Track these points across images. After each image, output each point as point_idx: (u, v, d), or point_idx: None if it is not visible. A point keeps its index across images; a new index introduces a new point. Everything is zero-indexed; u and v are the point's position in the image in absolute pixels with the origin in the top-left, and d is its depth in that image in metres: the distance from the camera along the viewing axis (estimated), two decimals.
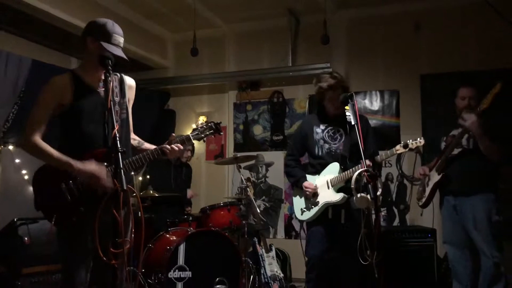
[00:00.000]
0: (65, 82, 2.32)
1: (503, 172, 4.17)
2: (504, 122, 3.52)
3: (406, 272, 4.07)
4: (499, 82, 3.27)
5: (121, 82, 2.48)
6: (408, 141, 3.00)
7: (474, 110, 3.37)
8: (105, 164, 2.26)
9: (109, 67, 2.26)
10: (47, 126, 2.33)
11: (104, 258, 2.00)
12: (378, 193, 2.77)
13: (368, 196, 2.62)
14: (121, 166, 2.00)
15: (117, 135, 2.06)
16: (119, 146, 2.03)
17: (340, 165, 3.19)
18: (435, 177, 3.57)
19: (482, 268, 3.39)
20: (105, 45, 2.30)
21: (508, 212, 3.98)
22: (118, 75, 2.49)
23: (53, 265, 3.92)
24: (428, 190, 3.61)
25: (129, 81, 2.55)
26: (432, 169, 3.63)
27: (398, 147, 3.04)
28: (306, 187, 3.28)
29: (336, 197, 3.17)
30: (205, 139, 2.50)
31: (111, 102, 2.18)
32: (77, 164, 2.22)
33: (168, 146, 2.39)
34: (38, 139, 2.28)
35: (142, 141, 2.61)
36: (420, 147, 3.03)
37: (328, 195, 3.22)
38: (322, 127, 3.36)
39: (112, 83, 2.37)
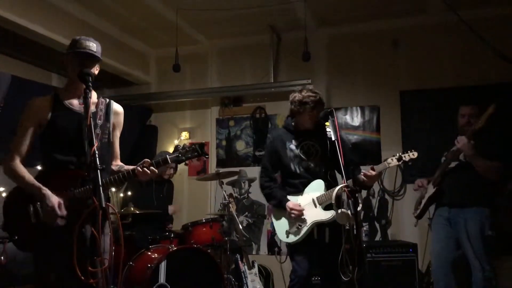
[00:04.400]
0: (43, 103, 2.35)
1: (500, 188, 4.23)
2: (497, 140, 3.59)
3: (388, 287, 4.07)
4: (493, 103, 3.33)
5: (108, 106, 2.47)
6: (402, 154, 3.01)
7: (467, 131, 3.43)
8: (72, 188, 2.26)
9: (89, 83, 2.24)
10: (32, 146, 2.36)
11: (82, 278, 1.97)
12: (359, 208, 2.79)
13: (349, 212, 2.64)
14: (101, 183, 1.98)
15: (97, 152, 2.04)
16: (98, 162, 2.01)
17: (324, 182, 3.11)
18: (430, 190, 3.64)
19: (474, 282, 3.41)
20: (73, 52, 2.33)
21: (504, 227, 4.03)
22: (107, 100, 2.50)
23: (30, 285, 3.82)
24: (423, 202, 3.68)
25: (116, 107, 2.53)
26: (430, 182, 3.70)
27: (390, 160, 3.04)
28: (292, 209, 3.12)
29: (327, 215, 3.06)
30: (187, 162, 2.40)
31: (91, 119, 2.16)
32: (46, 191, 2.23)
33: (139, 168, 2.33)
34: (15, 163, 2.31)
35: (123, 165, 2.57)
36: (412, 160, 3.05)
37: (316, 214, 3.10)
38: (295, 142, 3.25)
39: (98, 106, 2.41)
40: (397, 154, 3.03)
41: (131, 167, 2.41)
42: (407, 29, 5.32)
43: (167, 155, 2.37)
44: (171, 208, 4.92)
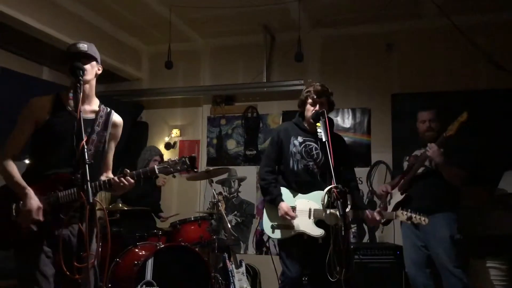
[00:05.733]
0: (43, 103, 2.34)
1: (465, 192, 4.32)
2: (465, 148, 3.64)
3: None
4: (466, 111, 3.36)
5: (108, 116, 2.46)
6: (414, 215, 3.03)
7: (440, 139, 3.45)
8: (57, 190, 2.23)
9: (80, 77, 2.22)
10: (26, 143, 2.35)
11: (68, 273, 1.96)
12: (347, 209, 2.81)
13: (337, 213, 2.65)
14: (88, 178, 1.97)
15: (85, 147, 2.03)
16: (86, 158, 2.00)
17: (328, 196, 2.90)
18: (397, 196, 3.64)
19: (445, 285, 3.45)
20: (66, 57, 2.33)
21: (472, 230, 4.10)
22: (108, 109, 2.48)
23: (13, 280, 3.77)
24: (390, 208, 3.66)
25: (116, 119, 2.51)
26: (395, 188, 3.70)
27: (400, 213, 3.09)
28: (286, 213, 3.05)
29: (316, 232, 3.02)
30: (175, 174, 2.36)
31: (80, 113, 2.14)
32: (29, 192, 2.20)
33: (115, 179, 2.27)
34: (6, 161, 2.29)
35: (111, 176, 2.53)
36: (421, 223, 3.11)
37: (306, 225, 3.05)
38: (300, 139, 3.19)
39: (99, 113, 2.40)
40: (409, 213, 3.06)
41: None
42: (401, 33, 5.35)
43: (156, 166, 2.32)
44: (159, 180, 4.82)
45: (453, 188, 3.56)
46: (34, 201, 2.18)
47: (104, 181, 2.29)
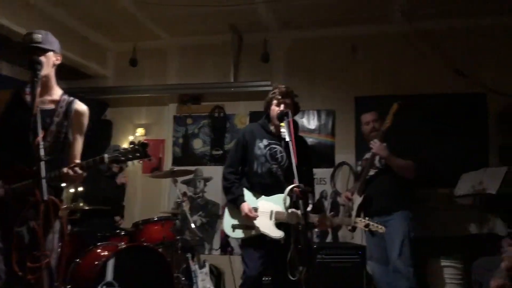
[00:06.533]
0: (1, 97, 2.30)
1: (424, 194, 4.47)
2: (407, 139, 3.79)
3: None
4: (396, 102, 3.61)
5: (69, 105, 2.39)
6: (371, 223, 3.07)
7: (378, 133, 3.61)
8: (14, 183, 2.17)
9: (37, 72, 2.17)
10: None
11: (20, 273, 1.91)
12: (309, 209, 2.83)
13: (299, 212, 2.67)
14: (44, 175, 1.92)
15: (41, 143, 1.98)
16: (42, 154, 1.95)
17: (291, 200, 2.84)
18: (358, 200, 3.71)
19: (393, 284, 3.53)
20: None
21: (430, 230, 4.23)
22: (71, 98, 2.42)
23: None
24: (354, 213, 3.72)
25: (79, 107, 2.44)
26: (354, 193, 3.77)
27: (358, 220, 3.13)
28: (247, 214, 3.05)
29: (276, 234, 3.02)
30: (127, 163, 2.28)
31: (37, 109, 2.09)
32: None
33: (64, 170, 2.20)
34: None
35: None
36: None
37: (267, 227, 3.05)
38: (265, 142, 3.19)
39: (59, 103, 2.35)
40: (367, 221, 3.10)
41: None
42: (366, 36, 5.44)
43: (106, 155, 2.22)
44: (120, 178, 4.73)
45: (407, 185, 3.67)
46: None
47: (55, 174, 2.21)
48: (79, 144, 2.46)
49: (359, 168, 3.87)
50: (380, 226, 3.10)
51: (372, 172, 3.71)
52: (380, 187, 3.65)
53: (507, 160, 4.47)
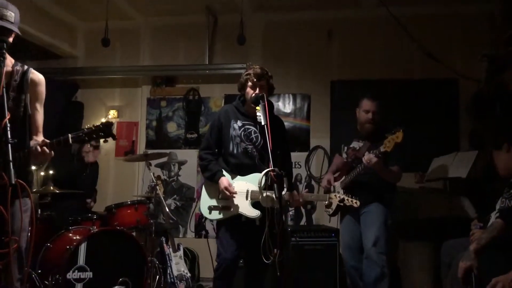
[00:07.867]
0: None
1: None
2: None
3: (309, 270, 4.20)
4: (401, 128, 3.30)
5: (23, 75, 2.27)
6: (346, 198, 3.07)
7: (375, 151, 3.40)
8: None
9: (2, 51, 2.08)
10: None
11: None
12: (283, 192, 2.84)
13: (273, 195, 2.67)
14: (11, 159, 1.85)
15: (8, 125, 1.90)
16: (9, 136, 1.88)
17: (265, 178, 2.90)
18: (338, 188, 3.69)
19: (365, 271, 3.59)
20: None
21: (402, 214, 4.31)
22: (24, 67, 2.28)
23: None
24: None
25: (34, 77, 2.32)
26: (337, 182, 3.77)
27: (333, 196, 3.13)
28: (226, 188, 3.04)
29: (253, 213, 3.01)
30: (93, 142, 2.21)
31: (3, 90, 2.01)
32: None
33: (32, 149, 2.12)
34: None
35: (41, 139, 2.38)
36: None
37: (243, 206, 3.05)
38: (239, 123, 3.18)
39: (13, 76, 2.20)
40: (342, 195, 3.11)
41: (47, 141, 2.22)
42: (341, 20, 5.43)
43: (70, 135, 2.15)
44: (88, 156, 4.59)
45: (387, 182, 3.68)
46: None
47: (23, 153, 2.13)
48: (40, 116, 2.35)
49: (344, 155, 3.81)
50: (355, 201, 3.12)
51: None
52: (364, 181, 3.57)
53: (477, 144, 4.57)
